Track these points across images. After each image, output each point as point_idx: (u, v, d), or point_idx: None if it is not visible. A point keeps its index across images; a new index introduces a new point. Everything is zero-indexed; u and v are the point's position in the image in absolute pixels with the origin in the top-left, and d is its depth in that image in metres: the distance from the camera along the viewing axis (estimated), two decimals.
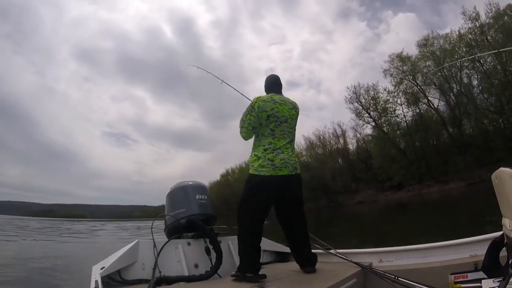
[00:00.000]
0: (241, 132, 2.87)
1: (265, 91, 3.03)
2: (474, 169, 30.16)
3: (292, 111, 2.88)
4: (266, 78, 3.11)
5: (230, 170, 73.28)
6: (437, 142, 38.10)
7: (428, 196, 29.79)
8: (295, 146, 2.99)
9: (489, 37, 32.79)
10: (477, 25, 33.52)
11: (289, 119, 2.83)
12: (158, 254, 2.71)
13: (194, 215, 3.12)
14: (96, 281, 2.27)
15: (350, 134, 47.67)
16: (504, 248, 1.75)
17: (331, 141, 49.74)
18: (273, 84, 3.05)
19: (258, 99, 2.79)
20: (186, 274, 2.79)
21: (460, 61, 34.48)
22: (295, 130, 2.94)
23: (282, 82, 3.07)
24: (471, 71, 35.83)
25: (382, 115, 41.99)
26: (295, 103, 3.02)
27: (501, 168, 1.60)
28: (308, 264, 2.86)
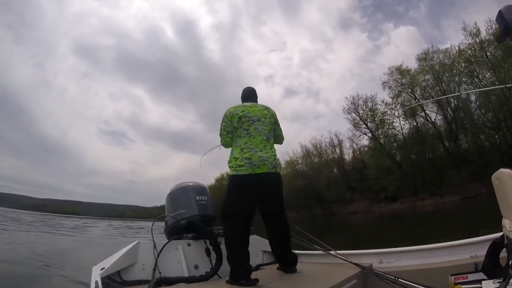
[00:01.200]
0: (220, 141, 3.02)
1: (241, 101, 3.15)
2: (469, 184, 30.29)
3: (264, 111, 2.96)
4: (243, 90, 3.24)
5: (225, 175, 73.15)
6: (433, 156, 38.24)
7: (422, 208, 29.83)
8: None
9: (488, 54, 33.09)
10: (477, 41, 33.73)
11: (262, 117, 2.90)
12: (158, 255, 2.71)
13: (194, 216, 3.14)
14: (96, 282, 2.26)
15: (346, 144, 47.75)
16: (504, 249, 1.76)
17: (328, 150, 49.82)
18: (247, 95, 3.18)
19: (229, 108, 2.94)
20: (186, 275, 2.79)
21: (458, 76, 34.95)
22: (271, 129, 2.97)
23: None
24: (469, 87, 36.04)
25: (379, 126, 42.20)
26: (268, 106, 3.10)
27: (501, 169, 1.61)
28: (288, 264, 2.92)
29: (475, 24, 33.85)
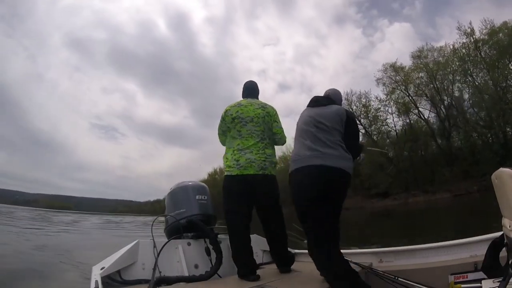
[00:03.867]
0: (219, 139, 3.13)
1: (242, 96, 3.17)
2: (461, 181, 30.64)
3: (258, 110, 2.95)
4: (244, 83, 3.25)
5: (218, 170, 73.16)
6: (425, 153, 38.58)
7: (414, 205, 30.08)
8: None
9: (482, 53, 33.42)
10: (471, 40, 34.09)
11: (254, 118, 2.90)
12: (158, 254, 2.70)
13: (194, 215, 3.13)
14: (96, 281, 2.26)
15: None
16: (504, 248, 1.76)
17: None
18: (247, 89, 3.20)
19: (227, 106, 2.99)
20: (186, 274, 2.79)
21: (452, 75, 35.21)
22: (266, 129, 2.96)
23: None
24: (463, 85, 36.42)
25: (372, 123, 42.65)
26: (266, 104, 3.10)
27: (501, 169, 1.60)
28: (283, 263, 2.93)
29: (470, 23, 34.35)
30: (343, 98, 3.12)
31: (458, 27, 34.86)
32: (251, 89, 3.19)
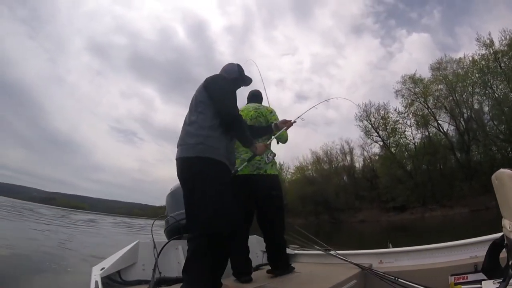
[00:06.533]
0: None
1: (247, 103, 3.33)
2: (479, 196, 29.88)
3: (251, 113, 3.08)
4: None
5: None
6: (444, 166, 37.72)
7: (431, 220, 29.46)
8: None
9: (502, 64, 32.74)
10: (491, 51, 33.41)
11: (247, 120, 3.00)
12: (158, 255, 2.71)
13: None
14: (96, 282, 2.26)
15: (357, 151, 47.38)
16: (504, 250, 1.77)
17: (338, 157, 49.40)
18: (250, 95, 3.35)
19: None
20: None
21: (472, 87, 34.52)
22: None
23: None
24: (482, 97, 35.64)
25: (391, 135, 41.92)
26: (261, 106, 3.25)
27: (501, 170, 1.64)
28: (274, 266, 2.94)
29: (489, 34, 33.62)
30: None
31: (477, 38, 34.20)
32: (251, 96, 3.35)
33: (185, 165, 2.18)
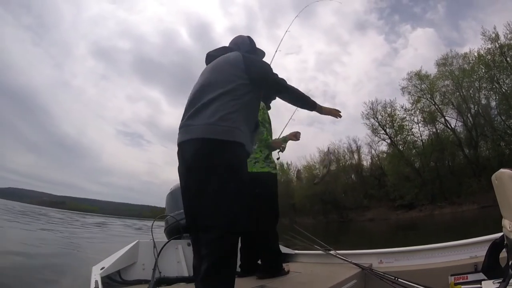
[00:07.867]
0: None
1: None
2: (488, 192, 29.67)
3: None
4: None
5: None
6: (452, 163, 37.43)
7: (440, 217, 29.35)
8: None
9: (508, 59, 32.44)
10: (497, 45, 33.07)
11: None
12: (158, 255, 2.74)
13: None
14: (96, 281, 2.25)
15: (365, 150, 47.20)
16: (504, 250, 1.78)
17: (346, 156, 49.12)
18: None
19: None
20: (186, 274, 2.80)
21: (478, 82, 34.24)
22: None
23: None
24: (489, 92, 35.31)
25: (398, 132, 41.63)
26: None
27: (502, 170, 1.63)
28: (259, 269, 2.88)
29: (494, 28, 33.20)
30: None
31: (483, 33, 33.84)
32: None
33: (215, 149, 1.74)
